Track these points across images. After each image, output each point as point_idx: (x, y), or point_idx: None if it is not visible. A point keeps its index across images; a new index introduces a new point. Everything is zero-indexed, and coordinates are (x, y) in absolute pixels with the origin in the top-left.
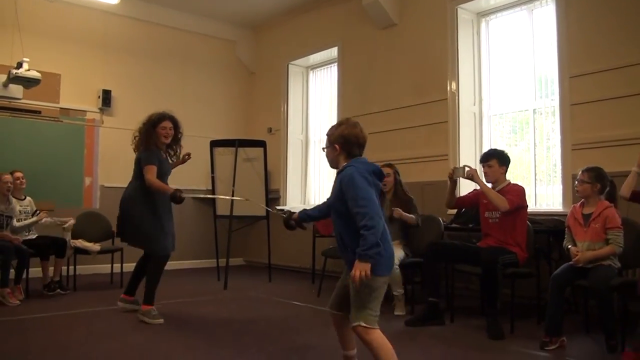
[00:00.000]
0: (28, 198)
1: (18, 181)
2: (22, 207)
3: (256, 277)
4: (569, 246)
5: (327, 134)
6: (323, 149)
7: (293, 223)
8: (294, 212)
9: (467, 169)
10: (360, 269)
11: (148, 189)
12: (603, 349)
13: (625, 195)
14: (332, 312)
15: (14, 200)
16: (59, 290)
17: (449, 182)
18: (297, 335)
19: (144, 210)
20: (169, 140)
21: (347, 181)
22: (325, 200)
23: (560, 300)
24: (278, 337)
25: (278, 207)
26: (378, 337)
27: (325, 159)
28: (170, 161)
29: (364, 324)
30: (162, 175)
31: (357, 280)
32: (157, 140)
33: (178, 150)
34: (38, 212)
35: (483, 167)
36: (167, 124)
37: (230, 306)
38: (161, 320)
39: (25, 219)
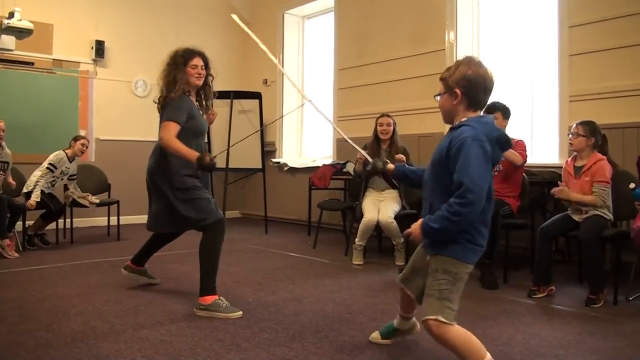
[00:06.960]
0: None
1: None
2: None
3: (253, 230)
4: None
5: (441, 78)
6: (435, 96)
7: (380, 169)
8: (387, 162)
9: None
10: (415, 234)
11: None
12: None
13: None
14: (401, 286)
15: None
16: (39, 243)
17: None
18: (293, 285)
19: (175, 176)
20: (201, 82)
21: (457, 147)
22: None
23: (547, 251)
24: (274, 287)
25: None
26: (457, 333)
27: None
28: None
29: (442, 319)
30: (197, 134)
31: (408, 233)
32: (186, 83)
33: (209, 102)
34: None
35: None
36: (198, 62)
37: (227, 258)
38: (240, 312)
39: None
